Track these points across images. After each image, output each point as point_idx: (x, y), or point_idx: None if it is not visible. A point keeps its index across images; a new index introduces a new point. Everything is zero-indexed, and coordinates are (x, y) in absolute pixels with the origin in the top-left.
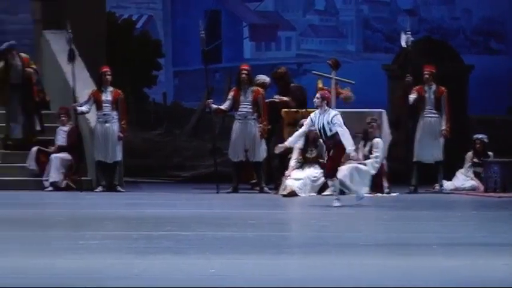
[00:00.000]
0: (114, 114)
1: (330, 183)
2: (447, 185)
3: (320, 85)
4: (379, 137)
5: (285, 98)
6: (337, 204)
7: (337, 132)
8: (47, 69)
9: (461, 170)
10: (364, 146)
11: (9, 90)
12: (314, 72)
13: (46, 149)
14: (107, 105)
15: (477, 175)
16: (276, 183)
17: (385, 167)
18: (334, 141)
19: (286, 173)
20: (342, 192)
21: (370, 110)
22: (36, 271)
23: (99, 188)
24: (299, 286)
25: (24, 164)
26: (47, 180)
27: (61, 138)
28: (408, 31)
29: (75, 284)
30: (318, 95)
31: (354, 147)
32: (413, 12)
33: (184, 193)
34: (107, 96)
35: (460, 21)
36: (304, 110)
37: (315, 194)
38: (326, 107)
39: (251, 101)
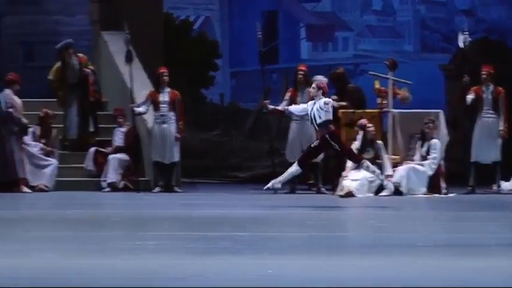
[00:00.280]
0: (171, 115)
1: (294, 167)
2: (505, 185)
3: (377, 85)
4: (437, 137)
5: (342, 103)
6: (270, 186)
7: (328, 120)
8: (104, 70)
9: None
10: (422, 146)
11: (67, 90)
12: (371, 72)
13: (104, 150)
14: (164, 106)
15: None
16: (333, 183)
17: (442, 167)
18: (327, 130)
19: (344, 173)
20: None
21: (428, 111)
22: (94, 271)
23: (157, 189)
24: (357, 286)
25: (82, 165)
26: (104, 180)
27: (118, 139)
28: (466, 31)
29: (133, 284)
30: (313, 85)
31: (292, 110)
32: (471, 13)
33: (241, 194)
34: (164, 97)
35: None
36: (361, 110)
37: (372, 195)
38: (321, 96)
39: (308, 101)
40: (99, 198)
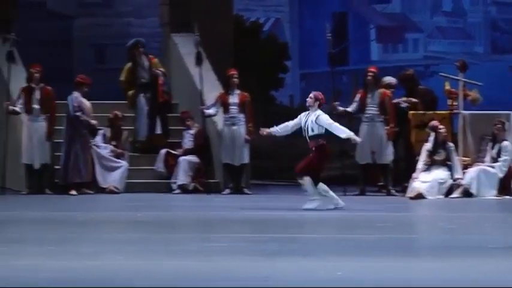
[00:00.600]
0: (241, 116)
1: (300, 181)
2: None
3: (447, 87)
4: (508, 139)
5: (413, 100)
6: (308, 206)
7: (320, 134)
8: (174, 72)
9: None
10: (493, 148)
11: (137, 91)
12: (441, 74)
13: (174, 152)
14: (234, 107)
15: None
16: (403, 185)
17: None
18: (316, 143)
19: (414, 175)
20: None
21: (498, 112)
22: (163, 273)
23: (227, 191)
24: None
25: (152, 167)
26: (174, 182)
27: (188, 142)
28: None
29: (204, 285)
30: (311, 95)
31: (349, 134)
32: None
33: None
34: (234, 99)
35: None
36: (431, 112)
37: (442, 197)
38: (316, 108)
39: (378, 103)
40: (169, 200)
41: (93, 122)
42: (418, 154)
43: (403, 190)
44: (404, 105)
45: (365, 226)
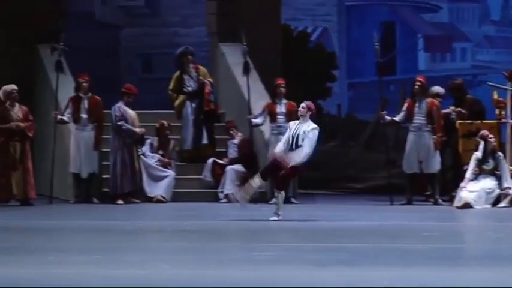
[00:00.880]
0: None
1: (275, 193)
2: None
3: (495, 96)
4: None
5: (463, 111)
6: (274, 218)
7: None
8: (222, 82)
9: None
10: None
11: (184, 100)
12: (489, 83)
13: (221, 161)
14: (281, 117)
15: None
16: (451, 194)
17: None
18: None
19: (462, 184)
20: None
21: None
22: (210, 282)
23: (273, 200)
24: None
25: (199, 176)
26: (221, 191)
27: (232, 151)
28: None
29: None
30: (303, 105)
31: (299, 161)
32: None
33: (357, 205)
34: (281, 108)
35: None
36: (479, 121)
37: (489, 206)
38: (308, 119)
39: (425, 112)
40: (216, 209)
41: (138, 130)
42: (466, 163)
43: (451, 199)
44: (454, 115)
45: (412, 236)
